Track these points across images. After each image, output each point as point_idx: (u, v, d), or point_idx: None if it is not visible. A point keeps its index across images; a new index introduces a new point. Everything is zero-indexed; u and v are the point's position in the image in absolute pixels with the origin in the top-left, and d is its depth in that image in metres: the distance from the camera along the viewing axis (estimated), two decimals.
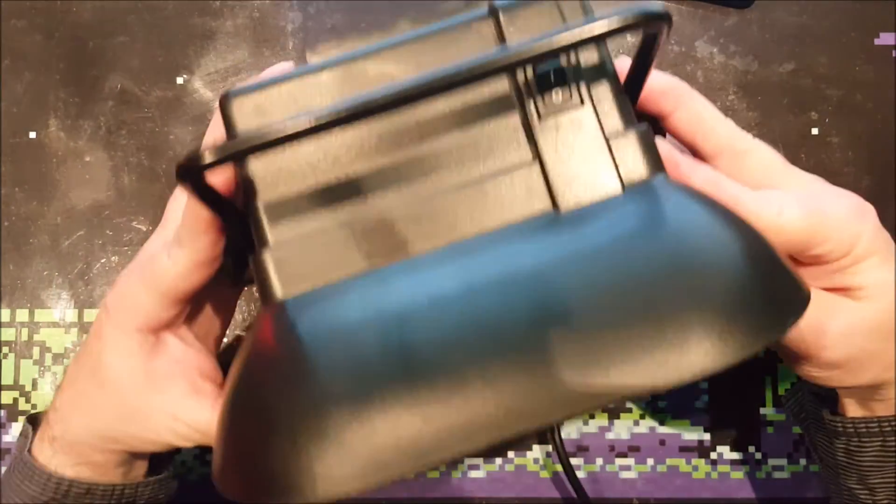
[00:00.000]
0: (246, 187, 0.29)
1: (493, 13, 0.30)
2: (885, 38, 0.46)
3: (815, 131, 0.45)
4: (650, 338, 0.24)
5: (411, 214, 0.29)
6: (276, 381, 0.26)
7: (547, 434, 0.43)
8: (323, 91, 0.30)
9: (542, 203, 0.28)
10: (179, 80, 0.46)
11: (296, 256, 0.28)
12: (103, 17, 0.46)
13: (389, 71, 0.30)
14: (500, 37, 0.30)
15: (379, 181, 0.29)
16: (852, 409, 0.34)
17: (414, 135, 0.30)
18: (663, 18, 0.26)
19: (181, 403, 0.31)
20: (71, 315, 0.45)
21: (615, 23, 0.25)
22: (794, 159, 0.32)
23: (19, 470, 0.33)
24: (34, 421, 0.35)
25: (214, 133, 0.32)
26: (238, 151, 0.25)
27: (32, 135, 0.46)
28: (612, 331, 0.24)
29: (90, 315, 0.45)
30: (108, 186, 0.46)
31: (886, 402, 0.33)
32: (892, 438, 0.33)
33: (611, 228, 0.27)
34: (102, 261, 0.45)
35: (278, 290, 0.28)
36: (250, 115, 0.29)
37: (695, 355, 0.24)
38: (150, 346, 0.32)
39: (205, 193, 0.27)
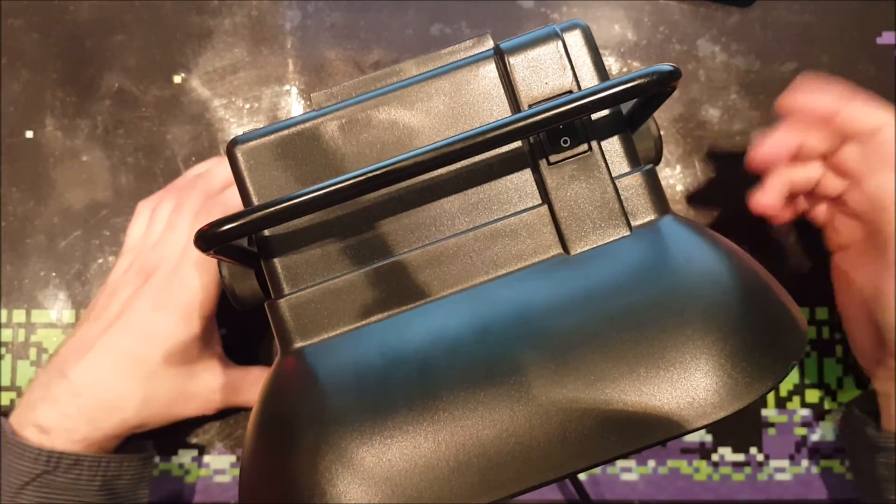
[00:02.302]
0: (260, 239, 0.30)
1: (499, 53, 0.30)
2: (886, 38, 0.45)
3: None
4: (660, 392, 0.25)
5: (424, 262, 0.29)
6: (297, 414, 0.27)
7: None
8: (331, 139, 0.30)
9: (553, 247, 0.29)
10: (177, 79, 0.45)
11: (312, 304, 0.29)
12: (101, 16, 0.46)
13: (397, 117, 0.30)
14: (506, 79, 0.30)
15: (392, 229, 0.30)
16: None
17: (426, 184, 0.30)
18: (676, 77, 0.27)
19: (220, 376, 0.40)
20: (68, 316, 0.45)
21: (633, 84, 0.27)
22: None
23: (9, 451, 0.37)
24: (5, 413, 0.39)
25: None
26: (255, 221, 0.27)
27: (29, 134, 0.46)
28: (624, 383, 0.25)
29: None
30: (106, 186, 0.45)
31: None
32: None
33: (618, 273, 0.27)
34: (100, 261, 0.45)
35: (296, 338, 0.29)
36: (259, 167, 0.30)
37: (702, 406, 0.25)
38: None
39: (222, 251, 0.29)
